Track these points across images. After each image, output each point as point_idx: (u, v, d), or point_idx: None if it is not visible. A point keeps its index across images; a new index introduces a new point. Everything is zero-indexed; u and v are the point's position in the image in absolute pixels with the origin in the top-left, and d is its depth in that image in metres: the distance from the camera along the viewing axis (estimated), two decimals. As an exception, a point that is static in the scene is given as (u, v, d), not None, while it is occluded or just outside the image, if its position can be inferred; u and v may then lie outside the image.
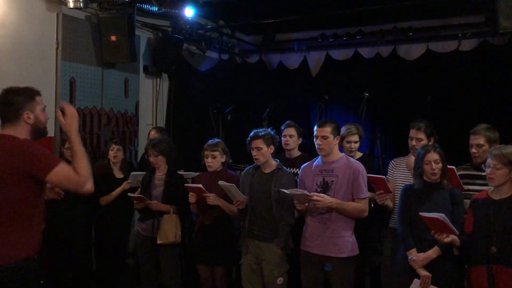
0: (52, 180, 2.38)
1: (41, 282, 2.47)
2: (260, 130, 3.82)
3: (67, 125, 2.51)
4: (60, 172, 2.37)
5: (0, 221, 2.36)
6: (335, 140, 3.57)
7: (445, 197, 3.23)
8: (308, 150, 4.91)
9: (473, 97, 5.92)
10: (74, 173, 2.39)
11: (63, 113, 2.52)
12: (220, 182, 3.73)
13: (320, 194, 3.42)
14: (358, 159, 4.05)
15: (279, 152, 4.41)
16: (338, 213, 3.46)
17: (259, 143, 3.71)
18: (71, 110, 2.54)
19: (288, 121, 4.47)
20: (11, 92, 2.50)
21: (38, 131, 2.56)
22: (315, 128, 3.61)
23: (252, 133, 3.79)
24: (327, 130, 3.52)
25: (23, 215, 2.40)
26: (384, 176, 3.77)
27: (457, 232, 3.01)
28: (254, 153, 3.75)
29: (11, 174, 2.34)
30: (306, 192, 3.41)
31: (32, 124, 2.49)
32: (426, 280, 3.14)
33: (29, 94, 2.52)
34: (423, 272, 3.17)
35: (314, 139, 3.59)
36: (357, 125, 4.31)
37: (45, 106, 2.60)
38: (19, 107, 2.46)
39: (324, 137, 3.52)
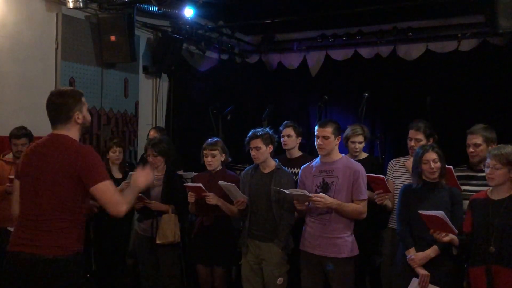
0: (95, 192, 2.51)
1: (88, 275, 2.67)
2: (258, 129, 3.81)
3: (138, 181, 2.72)
4: (105, 188, 2.51)
5: (59, 217, 2.49)
6: (336, 140, 3.55)
7: (444, 196, 3.23)
8: (308, 150, 4.91)
9: (473, 97, 5.93)
10: (118, 194, 2.58)
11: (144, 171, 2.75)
12: (221, 182, 3.73)
13: (320, 194, 3.41)
14: (363, 160, 4.05)
15: (280, 152, 4.41)
16: (337, 214, 3.46)
17: (258, 142, 3.71)
18: (150, 173, 2.77)
19: (286, 121, 4.46)
20: (61, 94, 2.64)
21: (85, 129, 2.74)
22: (316, 128, 3.60)
23: (250, 133, 3.79)
24: (328, 130, 3.51)
25: (76, 210, 2.55)
26: (383, 176, 3.77)
27: (456, 231, 3.00)
28: (253, 152, 3.75)
29: (68, 172, 2.49)
30: (306, 192, 3.40)
31: (81, 123, 2.64)
32: (424, 279, 3.14)
33: (77, 95, 2.65)
34: (422, 271, 3.17)
35: (315, 139, 3.58)
36: (362, 125, 4.29)
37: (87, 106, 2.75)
38: (70, 108, 2.60)
39: (325, 137, 3.51)
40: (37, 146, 2.64)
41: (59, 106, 2.60)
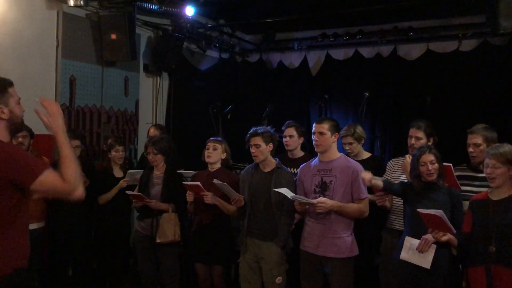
0: (37, 189, 2.15)
1: None
2: (259, 127, 3.81)
3: (52, 125, 2.25)
4: (46, 181, 2.14)
5: None
6: (333, 137, 3.54)
7: (444, 197, 3.22)
8: (308, 150, 4.91)
9: (473, 97, 5.93)
10: (61, 180, 2.15)
11: (46, 110, 2.26)
12: (215, 181, 3.73)
13: (321, 199, 3.39)
14: (365, 160, 4.04)
15: (282, 152, 4.40)
16: (338, 215, 3.45)
17: (258, 140, 3.70)
18: (54, 107, 2.28)
19: (288, 121, 4.45)
20: None
21: (14, 126, 2.32)
22: (314, 124, 3.61)
23: (251, 131, 3.79)
24: (325, 126, 3.51)
25: (8, 224, 2.18)
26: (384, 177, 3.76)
27: (454, 231, 3.00)
28: (252, 150, 3.74)
29: None
30: (309, 199, 3.39)
31: (7, 119, 2.25)
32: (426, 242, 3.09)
33: (0, 86, 2.26)
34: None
35: (312, 135, 3.58)
36: (357, 126, 4.25)
37: (20, 98, 2.34)
38: None
39: (321, 133, 3.51)
40: None
41: None
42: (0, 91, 2.24)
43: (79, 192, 2.18)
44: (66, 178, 2.16)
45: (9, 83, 2.30)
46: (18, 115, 2.31)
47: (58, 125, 2.25)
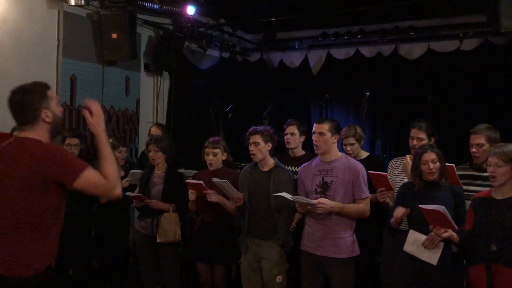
0: (80, 186, 2.22)
1: None
2: (259, 126, 3.82)
3: (96, 125, 2.33)
4: (88, 178, 2.22)
5: (22, 230, 2.22)
6: (333, 138, 3.52)
7: (447, 195, 3.21)
8: (309, 149, 4.91)
9: (474, 96, 5.92)
10: (102, 178, 2.25)
11: (90, 112, 2.33)
12: (214, 179, 3.73)
13: (322, 200, 3.38)
14: (364, 159, 4.03)
15: (281, 151, 4.39)
16: (339, 215, 3.44)
17: (257, 138, 3.69)
18: (97, 108, 2.35)
19: (289, 119, 4.45)
20: (22, 92, 2.29)
21: (57, 127, 2.39)
22: (314, 124, 3.59)
23: (251, 129, 3.79)
24: (325, 126, 3.49)
25: (45, 223, 2.28)
26: (386, 173, 3.75)
27: (456, 227, 2.99)
28: (251, 148, 3.72)
29: (37, 181, 2.19)
30: (309, 200, 3.38)
31: (51, 122, 2.32)
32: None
33: (41, 91, 2.32)
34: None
35: (312, 135, 3.57)
36: (356, 126, 4.26)
37: (57, 98, 2.41)
38: (35, 107, 2.27)
39: (321, 134, 3.48)
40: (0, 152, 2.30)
41: (22, 106, 2.26)
42: (41, 95, 2.30)
43: (119, 190, 2.30)
44: (107, 176, 2.25)
45: (47, 87, 2.36)
46: (59, 116, 2.39)
47: (101, 125, 2.35)
